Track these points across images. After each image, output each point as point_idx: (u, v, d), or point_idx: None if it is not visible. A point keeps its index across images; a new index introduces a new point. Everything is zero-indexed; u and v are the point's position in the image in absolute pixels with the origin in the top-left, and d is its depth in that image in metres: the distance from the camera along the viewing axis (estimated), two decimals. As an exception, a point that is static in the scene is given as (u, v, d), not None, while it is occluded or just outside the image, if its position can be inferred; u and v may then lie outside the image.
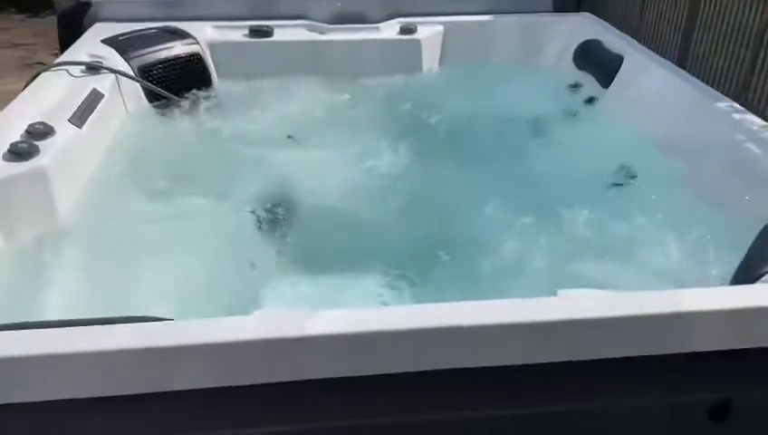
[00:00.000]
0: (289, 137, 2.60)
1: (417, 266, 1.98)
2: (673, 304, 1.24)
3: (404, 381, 1.20)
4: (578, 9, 3.30)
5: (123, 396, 1.14)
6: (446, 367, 1.21)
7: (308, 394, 1.17)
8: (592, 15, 3.21)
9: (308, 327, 1.17)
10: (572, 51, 3.03)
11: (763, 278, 1.40)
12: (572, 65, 3.02)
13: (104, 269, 1.76)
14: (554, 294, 1.31)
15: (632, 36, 2.87)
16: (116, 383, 1.14)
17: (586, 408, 1.33)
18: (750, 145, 1.96)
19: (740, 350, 1.28)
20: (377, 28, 3.11)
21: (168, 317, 1.28)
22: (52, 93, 2.24)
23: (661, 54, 2.66)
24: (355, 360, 1.17)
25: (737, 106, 2.15)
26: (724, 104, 2.17)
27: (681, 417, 1.39)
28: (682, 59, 2.60)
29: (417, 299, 1.90)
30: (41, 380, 1.13)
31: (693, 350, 1.27)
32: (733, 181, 1.94)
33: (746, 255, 1.57)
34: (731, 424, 1.38)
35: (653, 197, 2.14)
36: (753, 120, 2.05)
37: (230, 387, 1.17)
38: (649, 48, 2.74)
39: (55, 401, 1.14)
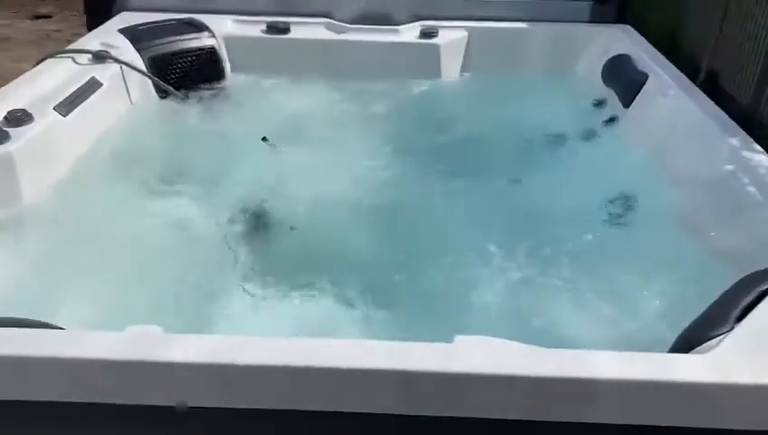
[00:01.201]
0: (264, 139, 2.53)
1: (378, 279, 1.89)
2: (565, 368, 1.10)
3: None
4: (618, 21, 3.07)
5: None
6: (303, 408, 1.12)
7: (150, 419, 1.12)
8: (631, 29, 2.99)
9: (163, 352, 1.11)
10: (602, 65, 2.82)
11: (700, 347, 1.22)
12: (601, 81, 2.82)
13: (49, 258, 1.77)
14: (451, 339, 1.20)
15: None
16: None
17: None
18: (751, 189, 1.75)
19: (646, 427, 1.12)
20: (397, 30, 3.01)
21: (59, 326, 1.26)
22: (47, 80, 2.29)
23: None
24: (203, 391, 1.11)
25: (745, 136, 1.93)
26: (733, 136, 1.95)
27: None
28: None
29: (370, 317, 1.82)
30: None
31: (588, 420, 1.12)
32: (724, 223, 1.74)
33: (701, 314, 1.38)
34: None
35: (644, 235, 1.96)
36: (761, 158, 1.83)
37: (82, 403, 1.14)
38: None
39: None
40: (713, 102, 2.22)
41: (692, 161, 2.02)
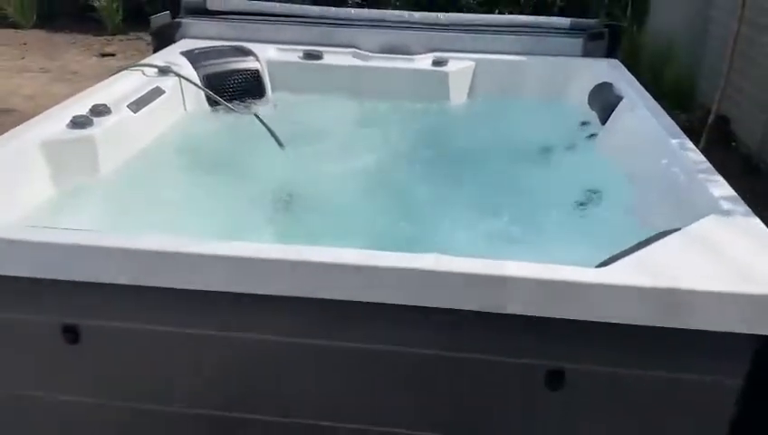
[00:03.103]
0: (256, 115, 3.08)
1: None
2: (489, 268, 1.52)
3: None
4: (607, 56, 3.52)
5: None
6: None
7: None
8: (618, 62, 3.43)
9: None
10: (588, 92, 3.26)
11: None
12: (587, 105, 3.25)
13: (122, 211, 2.27)
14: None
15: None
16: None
17: (438, 355, 1.63)
18: (682, 177, 2.15)
19: (566, 321, 1.52)
20: (412, 59, 3.51)
21: None
22: (123, 85, 2.85)
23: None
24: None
25: (687, 142, 2.33)
26: (677, 140, 2.35)
27: (521, 382, 1.64)
28: None
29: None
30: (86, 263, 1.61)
31: (507, 311, 1.53)
32: (660, 205, 2.13)
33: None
34: (564, 393, 1.62)
35: (598, 216, 2.39)
36: (696, 157, 2.23)
37: None
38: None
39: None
40: (669, 117, 2.63)
41: (644, 163, 2.42)
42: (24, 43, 9.34)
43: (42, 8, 10.12)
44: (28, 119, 2.42)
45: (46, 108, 2.52)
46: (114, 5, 9.82)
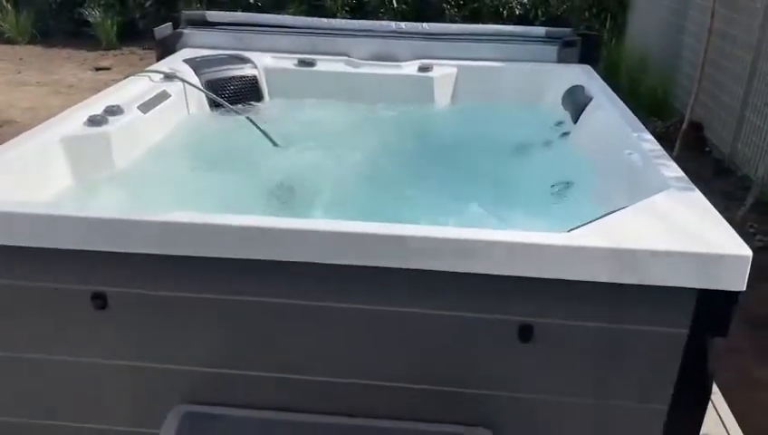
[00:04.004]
0: (248, 118, 3.35)
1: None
2: (470, 234, 1.76)
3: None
4: (580, 61, 3.80)
5: None
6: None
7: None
8: (590, 67, 3.71)
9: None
10: (561, 94, 3.53)
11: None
12: (561, 106, 3.52)
13: (136, 202, 2.50)
14: None
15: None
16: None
17: (420, 313, 1.87)
18: (639, 164, 2.41)
19: (534, 279, 1.76)
20: (400, 66, 3.78)
21: None
22: (132, 89, 3.08)
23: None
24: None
25: (647, 135, 2.59)
26: (638, 134, 2.61)
27: (498, 336, 1.88)
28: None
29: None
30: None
31: (485, 271, 1.76)
32: (621, 188, 2.38)
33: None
34: (534, 345, 1.86)
35: (568, 201, 2.64)
36: (652, 146, 2.49)
37: None
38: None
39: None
40: (631, 113, 2.89)
41: (608, 153, 2.68)
42: (21, 59, 9.57)
43: (37, 24, 10.35)
44: (26, 129, 2.57)
45: (45, 119, 2.69)
46: (108, 21, 10.07)
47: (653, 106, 6.95)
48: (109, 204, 2.40)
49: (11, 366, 2.04)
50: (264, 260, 1.82)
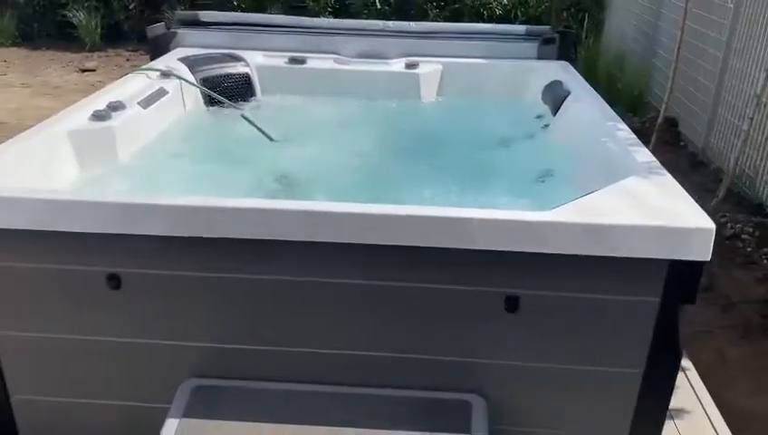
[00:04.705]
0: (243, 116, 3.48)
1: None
2: (460, 213, 1.92)
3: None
4: (558, 58, 3.98)
5: None
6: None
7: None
8: (568, 64, 3.89)
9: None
10: (541, 89, 3.70)
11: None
12: (541, 101, 3.69)
13: (142, 189, 2.63)
14: None
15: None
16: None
17: (414, 287, 2.02)
18: (615, 151, 2.58)
19: (519, 253, 1.92)
20: (387, 63, 3.93)
21: None
22: (132, 86, 3.21)
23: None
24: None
25: (622, 125, 2.77)
26: (614, 124, 2.79)
27: (487, 306, 2.03)
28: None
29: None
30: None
31: (474, 247, 1.92)
32: (597, 173, 2.55)
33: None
34: (519, 315, 2.02)
35: (552, 183, 2.83)
36: (627, 135, 2.67)
37: None
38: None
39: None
40: (607, 105, 3.07)
41: (586, 142, 2.85)
42: (5, 61, 9.58)
43: (21, 26, 10.36)
44: (16, 130, 2.69)
45: (32, 120, 2.80)
46: (93, 23, 10.11)
47: (629, 103, 7.16)
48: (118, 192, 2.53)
49: (31, 347, 2.16)
50: (267, 240, 1.96)
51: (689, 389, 3.06)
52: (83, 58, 9.87)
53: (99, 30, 10.17)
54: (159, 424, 2.07)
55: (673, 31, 6.66)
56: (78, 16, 10.07)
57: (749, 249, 4.41)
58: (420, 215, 1.93)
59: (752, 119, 4.84)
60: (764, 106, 4.85)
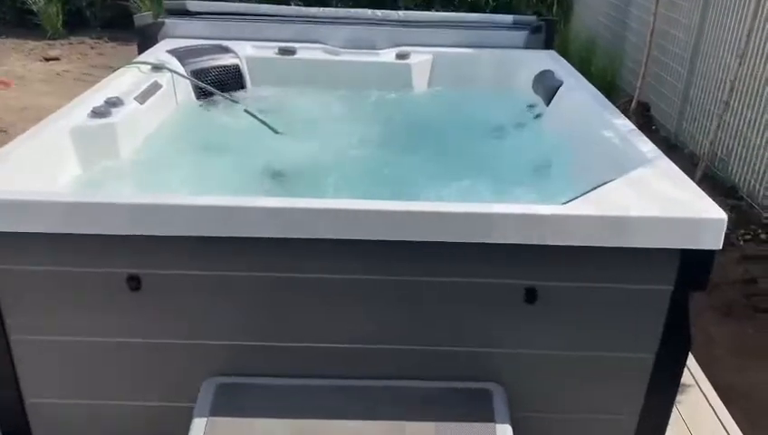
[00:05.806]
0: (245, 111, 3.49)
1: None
2: (482, 208, 1.96)
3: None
4: (546, 47, 4.04)
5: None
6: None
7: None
8: (555, 53, 3.95)
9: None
10: (532, 79, 3.75)
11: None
12: (532, 90, 3.74)
13: (136, 182, 2.61)
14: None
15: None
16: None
17: (437, 281, 2.06)
18: (615, 141, 2.65)
19: (538, 246, 1.97)
20: (378, 53, 3.94)
21: None
22: (126, 80, 3.15)
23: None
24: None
25: (620, 114, 2.84)
26: (611, 114, 2.86)
27: (506, 298, 2.09)
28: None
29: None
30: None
31: (495, 241, 1.97)
32: (599, 163, 2.62)
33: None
34: (538, 306, 2.08)
35: (550, 173, 2.89)
36: (626, 124, 2.74)
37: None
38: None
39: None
40: (602, 95, 3.14)
41: (585, 132, 2.92)
42: (-37, 50, 9.25)
43: (-23, 14, 10.01)
44: None
45: (1, 109, 2.71)
46: (54, 9, 9.81)
47: (602, 88, 7.28)
48: (125, 190, 2.50)
49: (49, 350, 2.14)
50: (289, 238, 1.97)
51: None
52: (46, 46, 9.58)
53: (60, 17, 9.87)
54: (180, 424, 2.08)
55: (643, 16, 6.80)
56: (38, 3, 9.76)
57: (726, 231, 4.57)
58: (452, 212, 1.96)
59: (727, 103, 4.99)
60: (737, 92, 5.00)
